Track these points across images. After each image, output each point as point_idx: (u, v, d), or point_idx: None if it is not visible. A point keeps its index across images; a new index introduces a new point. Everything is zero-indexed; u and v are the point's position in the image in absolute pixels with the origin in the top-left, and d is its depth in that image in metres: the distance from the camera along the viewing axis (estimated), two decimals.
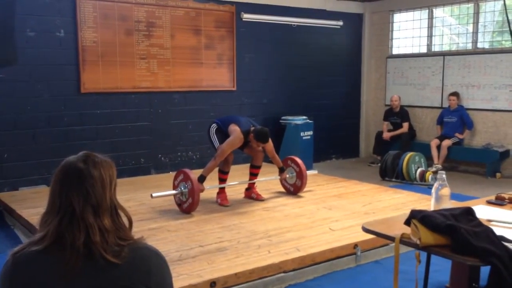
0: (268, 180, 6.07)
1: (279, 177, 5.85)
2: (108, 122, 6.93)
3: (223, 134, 5.37)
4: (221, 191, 5.52)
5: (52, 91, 6.50)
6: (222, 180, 5.50)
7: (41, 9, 6.34)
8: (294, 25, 8.57)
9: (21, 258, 1.42)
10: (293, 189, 5.88)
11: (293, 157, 5.97)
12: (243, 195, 5.75)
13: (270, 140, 5.38)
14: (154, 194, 5.09)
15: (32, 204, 5.28)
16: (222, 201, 5.42)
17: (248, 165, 5.82)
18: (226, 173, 5.48)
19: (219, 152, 5.20)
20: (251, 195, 5.67)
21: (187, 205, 5.03)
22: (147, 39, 7.14)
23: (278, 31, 8.41)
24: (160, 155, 7.42)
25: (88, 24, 6.65)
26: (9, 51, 6.16)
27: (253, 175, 5.69)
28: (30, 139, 6.38)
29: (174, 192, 5.16)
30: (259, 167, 5.67)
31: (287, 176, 5.82)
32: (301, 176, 5.79)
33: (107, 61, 6.84)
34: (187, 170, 5.15)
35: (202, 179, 5.13)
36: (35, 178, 6.39)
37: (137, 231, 1.54)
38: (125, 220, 1.52)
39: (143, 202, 5.50)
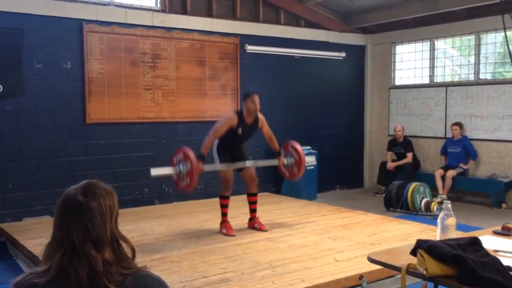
0: (267, 164, 6.10)
1: (277, 161, 5.74)
2: (113, 152, 6.96)
3: (222, 149, 5.36)
4: (224, 219, 5.48)
5: (57, 121, 6.55)
6: (224, 206, 5.47)
7: (48, 41, 6.45)
8: (297, 56, 8.68)
9: None
10: (289, 175, 5.86)
11: (294, 143, 5.87)
12: (246, 225, 5.71)
13: (265, 122, 5.47)
14: (152, 172, 5.10)
15: (35, 235, 5.26)
16: (228, 231, 5.37)
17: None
18: (227, 198, 5.45)
19: (213, 130, 5.20)
20: (254, 225, 5.64)
21: (184, 184, 5.00)
22: (152, 70, 7.24)
23: (282, 62, 8.51)
24: (164, 185, 7.41)
25: (95, 56, 6.75)
26: (16, 82, 6.25)
27: (252, 203, 5.67)
28: (34, 169, 6.41)
29: (172, 171, 5.09)
30: (255, 194, 5.64)
31: (285, 162, 5.75)
32: (299, 164, 5.72)
33: (113, 92, 6.92)
34: (187, 149, 5.08)
35: (201, 157, 5.08)
36: (39, 208, 6.38)
37: (140, 262, 1.54)
38: (128, 251, 1.51)
39: (147, 232, 5.47)
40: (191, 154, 4.98)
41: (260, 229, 5.58)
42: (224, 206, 5.49)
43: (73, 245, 1.41)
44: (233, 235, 5.30)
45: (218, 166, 5.41)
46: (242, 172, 5.59)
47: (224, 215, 5.49)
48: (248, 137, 5.57)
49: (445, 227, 2.45)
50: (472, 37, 8.26)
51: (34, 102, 6.38)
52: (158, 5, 7.43)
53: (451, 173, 7.91)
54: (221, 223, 5.49)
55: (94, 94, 6.77)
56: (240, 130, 5.32)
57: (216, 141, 5.44)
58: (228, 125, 5.28)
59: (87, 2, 6.76)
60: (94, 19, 6.74)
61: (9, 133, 6.23)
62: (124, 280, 1.42)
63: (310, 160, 6.17)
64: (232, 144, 5.45)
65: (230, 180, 5.39)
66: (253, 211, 5.67)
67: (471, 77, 8.37)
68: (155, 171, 5.14)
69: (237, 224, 5.74)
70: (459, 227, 2.74)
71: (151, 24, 7.20)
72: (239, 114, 5.34)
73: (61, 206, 1.47)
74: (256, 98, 5.35)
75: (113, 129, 6.97)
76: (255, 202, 5.67)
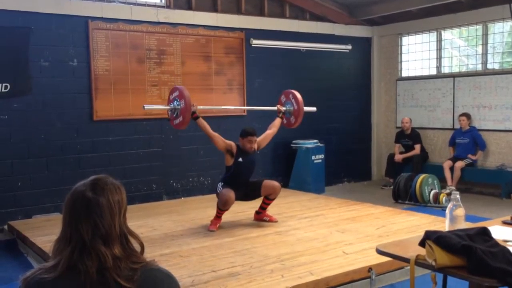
0: (267, 109, 6.31)
1: (276, 108, 5.93)
2: (120, 149, 6.99)
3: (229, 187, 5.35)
4: (218, 216, 5.40)
5: (65, 119, 6.58)
6: (219, 213, 5.40)
7: (55, 39, 6.47)
8: (303, 50, 8.64)
9: (32, 283, 1.42)
10: (286, 123, 5.97)
11: (295, 92, 5.94)
12: (253, 220, 5.71)
13: (257, 140, 5.47)
14: (146, 106, 5.57)
15: (45, 232, 5.30)
16: (210, 226, 5.33)
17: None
18: (224, 210, 5.37)
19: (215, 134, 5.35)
20: (263, 218, 5.63)
21: (177, 122, 5.24)
22: (158, 67, 7.25)
23: (288, 56, 8.49)
24: (171, 181, 7.44)
25: (101, 53, 6.77)
26: (24, 81, 6.28)
27: (266, 204, 5.65)
28: (43, 167, 6.44)
29: (167, 107, 5.39)
30: (273, 200, 5.62)
31: (284, 109, 5.89)
32: (297, 114, 5.87)
33: (119, 88, 6.93)
34: (182, 88, 5.28)
35: (195, 113, 5.26)
36: (48, 205, 6.42)
37: (149, 257, 1.54)
38: (136, 246, 1.52)
39: (155, 227, 5.50)
40: (186, 93, 5.16)
41: (270, 220, 5.58)
42: (219, 213, 5.39)
43: (82, 241, 1.42)
44: (213, 231, 5.25)
45: (209, 108, 5.66)
46: (262, 192, 5.50)
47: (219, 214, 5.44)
48: (252, 168, 5.52)
49: (453, 218, 2.44)
50: (479, 27, 8.18)
51: (41, 100, 6.41)
52: (163, 1, 7.43)
53: (459, 164, 7.87)
54: (215, 217, 5.43)
55: (100, 91, 6.79)
56: (241, 159, 5.35)
57: (220, 184, 5.42)
58: (226, 143, 5.33)
59: None
60: (100, 16, 6.75)
61: (17, 132, 6.27)
62: (134, 274, 1.43)
63: (311, 110, 6.18)
64: (238, 181, 5.38)
65: (229, 202, 5.25)
66: (263, 208, 5.67)
67: (479, 67, 8.30)
68: (148, 106, 5.55)
69: (245, 219, 5.75)
70: (468, 218, 2.73)
71: (156, 20, 7.20)
72: (238, 145, 5.40)
73: (70, 202, 1.48)
74: (253, 138, 5.38)
75: (120, 125, 6.99)
76: (269, 204, 5.65)
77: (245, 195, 5.51)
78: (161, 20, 7.23)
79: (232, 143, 5.38)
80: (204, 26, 7.62)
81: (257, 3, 8.27)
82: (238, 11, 8.04)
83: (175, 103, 5.23)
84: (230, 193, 5.23)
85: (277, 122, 5.86)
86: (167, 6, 7.39)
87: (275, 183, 5.55)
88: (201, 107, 5.57)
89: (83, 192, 1.47)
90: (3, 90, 6.12)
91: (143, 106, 5.56)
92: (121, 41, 6.93)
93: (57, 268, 1.42)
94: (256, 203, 5.75)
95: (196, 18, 7.56)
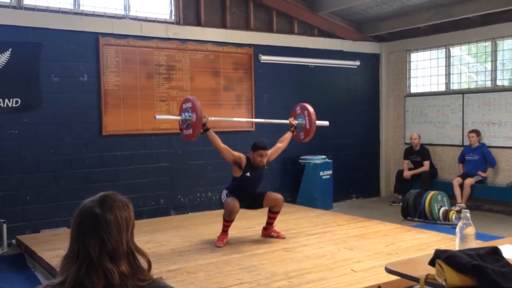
0: (279, 122, 6.30)
1: (287, 121, 5.97)
2: (128, 163, 7.01)
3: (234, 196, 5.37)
4: (225, 230, 5.39)
5: (74, 134, 6.63)
6: (226, 226, 5.40)
7: (65, 55, 6.55)
8: (311, 65, 8.67)
9: None
10: (295, 135, 5.96)
11: (310, 110, 5.93)
12: (261, 236, 5.68)
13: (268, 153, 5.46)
14: (157, 116, 5.65)
15: (53, 246, 5.30)
16: (217, 241, 5.31)
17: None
18: (230, 221, 5.36)
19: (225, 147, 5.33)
20: (270, 234, 5.61)
21: (187, 133, 5.28)
22: (167, 82, 7.29)
23: (296, 72, 8.51)
24: (179, 196, 7.44)
25: (111, 68, 6.83)
26: (34, 96, 6.34)
27: (272, 218, 5.64)
28: (52, 181, 6.47)
29: (178, 118, 5.42)
30: (277, 213, 5.61)
31: (296, 122, 5.91)
32: (307, 133, 5.90)
33: (128, 104, 6.98)
34: (194, 100, 5.28)
35: (206, 124, 5.23)
36: (56, 220, 6.44)
37: (156, 273, 1.54)
38: (144, 263, 1.51)
39: (163, 243, 5.48)
40: (198, 105, 5.17)
41: (278, 236, 5.55)
42: (226, 226, 5.39)
43: (89, 258, 1.42)
44: (220, 247, 5.23)
45: (221, 119, 5.73)
46: (264, 203, 5.52)
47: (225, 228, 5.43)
48: (258, 182, 5.55)
49: (464, 236, 2.41)
50: (488, 43, 8.18)
51: (51, 115, 6.46)
52: (173, 17, 7.51)
53: (469, 181, 7.80)
54: (222, 232, 5.43)
55: (110, 106, 6.84)
56: (249, 174, 5.37)
57: (225, 191, 5.44)
58: (235, 155, 5.34)
59: (103, 16, 6.86)
60: (110, 32, 6.83)
61: (27, 146, 6.31)
62: None
63: (323, 124, 6.19)
64: (244, 193, 5.40)
65: (234, 211, 5.26)
66: (270, 224, 5.65)
67: (488, 84, 8.28)
68: (159, 116, 5.65)
69: (252, 235, 5.72)
70: (479, 236, 2.70)
71: (166, 36, 7.27)
72: (248, 158, 5.40)
73: (78, 218, 1.48)
74: (265, 152, 5.38)
75: (129, 140, 7.02)
76: (274, 218, 5.64)
77: (248, 205, 5.55)
78: (170, 36, 7.30)
79: (242, 156, 5.39)
80: (213, 42, 7.68)
81: (266, 19, 8.34)
82: (247, 27, 8.10)
83: (186, 114, 5.26)
84: (235, 202, 5.26)
85: (288, 136, 5.87)
86: (177, 23, 7.47)
87: (278, 195, 5.55)
88: (213, 118, 5.54)
89: (91, 209, 1.47)
90: (13, 105, 6.18)
91: (155, 116, 5.65)
92: (131, 56, 7.00)
93: (64, 284, 1.42)
94: (263, 219, 5.73)
95: (205, 34, 7.62)
